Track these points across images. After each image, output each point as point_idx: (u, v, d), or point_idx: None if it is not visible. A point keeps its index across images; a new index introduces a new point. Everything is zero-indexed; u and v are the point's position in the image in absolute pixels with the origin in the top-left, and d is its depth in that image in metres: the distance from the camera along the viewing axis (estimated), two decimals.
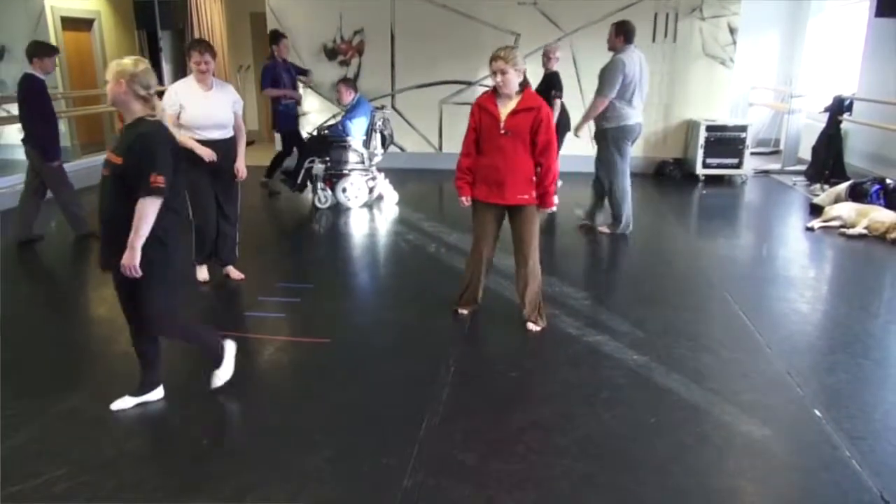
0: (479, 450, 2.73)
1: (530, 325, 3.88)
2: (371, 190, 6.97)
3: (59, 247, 5.96)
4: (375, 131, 6.90)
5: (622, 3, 8.42)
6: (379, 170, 7.10)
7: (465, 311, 4.07)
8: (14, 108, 8.09)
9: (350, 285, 4.96)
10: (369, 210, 6.85)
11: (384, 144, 7.09)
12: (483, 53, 7.79)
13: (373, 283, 5.04)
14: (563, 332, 3.89)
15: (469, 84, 8.95)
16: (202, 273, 4.65)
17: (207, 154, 4.21)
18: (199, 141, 4.22)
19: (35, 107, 5.24)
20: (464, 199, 3.83)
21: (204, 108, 4.24)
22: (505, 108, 3.61)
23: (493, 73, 3.57)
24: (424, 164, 8.99)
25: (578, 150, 8.96)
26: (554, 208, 3.80)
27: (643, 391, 3.23)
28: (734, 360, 3.58)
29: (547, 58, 6.87)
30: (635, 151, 8.91)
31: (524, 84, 3.63)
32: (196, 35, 9.77)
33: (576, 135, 6.04)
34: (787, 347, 3.73)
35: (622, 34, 5.65)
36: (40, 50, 5.29)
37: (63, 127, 8.57)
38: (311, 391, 3.27)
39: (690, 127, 8.75)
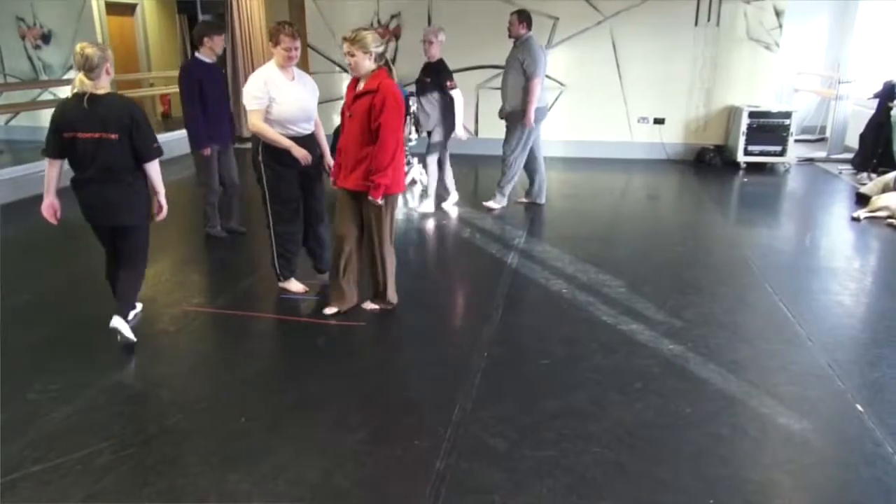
0: (510, 435, 2.73)
1: (367, 304, 3.93)
2: (405, 175, 6.97)
3: None
4: (409, 115, 6.89)
5: None
6: (413, 155, 7.10)
7: (329, 311, 3.86)
8: (61, 91, 8.32)
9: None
10: (402, 195, 6.85)
11: (417, 129, 7.08)
12: None
13: (406, 268, 5.05)
14: (598, 320, 3.86)
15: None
16: (296, 285, 4.21)
17: (303, 156, 3.85)
18: (289, 138, 3.84)
19: (183, 91, 4.95)
20: (332, 180, 3.87)
21: (296, 99, 3.84)
22: (355, 92, 3.57)
23: (344, 55, 3.55)
24: (459, 149, 8.95)
25: (618, 136, 8.88)
26: (380, 201, 3.54)
27: (678, 381, 3.19)
28: (773, 351, 3.51)
29: (428, 43, 5.97)
30: (674, 138, 8.85)
31: (384, 67, 3.54)
32: (236, 19, 9.85)
33: (531, 125, 5.97)
34: (829, 340, 3.64)
35: (525, 21, 5.89)
36: (210, 29, 4.99)
37: None
38: (346, 373, 3.31)
39: (732, 113, 8.55)
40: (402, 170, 3.70)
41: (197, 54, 4.97)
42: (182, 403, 3.01)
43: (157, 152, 3.41)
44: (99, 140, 3.24)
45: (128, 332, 3.44)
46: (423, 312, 4.08)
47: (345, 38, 3.47)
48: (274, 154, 3.86)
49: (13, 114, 8.13)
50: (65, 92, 8.22)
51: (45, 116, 8.49)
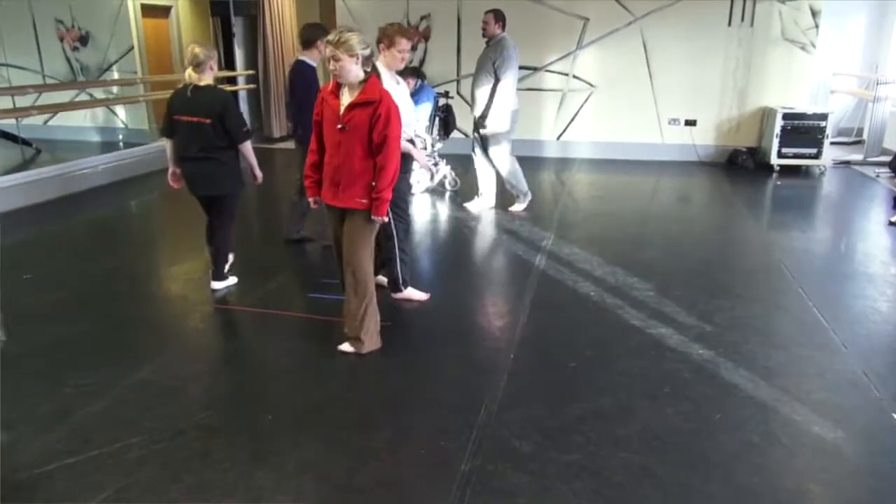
0: (536, 438, 2.72)
1: (344, 346, 3.45)
2: (432, 176, 6.99)
3: (146, 222, 6.23)
4: (438, 117, 6.90)
5: None
6: (441, 156, 7.11)
7: (349, 348, 3.45)
8: (97, 92, 8.50)
9: (411, 270, 4.99)
10: (430, 196, 6.87)
11: (447, 131, 7.09)
12: (551, 39, 7.69)
13: (433, 269, 5.06)
14: (626, 323, 3.83)
15: (535, 70, 8.85)
16: (418, 293, 4.17)
17: (424, 160, 3.84)
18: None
19: (301, 92, 4.83)
20: (311, 200, 3.49)
21: (406, 103, 3.81)
22: (345, 100, 3.17)
23: (327, 61, 3.14)
24: None
25: (649, 137, 8.80)
26: (385, 219, 3.28)
27: (708, 386, 3.14)
28: (806, 358, 3.44)
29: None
30: (706, 140, 8.73)
31: (374, 73, 3.18)
32: (267, 21, 9.97)
33: (483, 126, 5.87)
34: (865, 347, 3.56)
35: (501, 21, 5.76)
36: (323, 32, 4.66)
37: (143, 110, 8.95)
38: (371, 373, 3.32)
39: (766, 114, 8.41)
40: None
41: (302, 57, 4.83)
42: (211, 400, 3.05)
43: (246, 135, 4.04)
44: (196, 124, 3.89)
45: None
46: (449, 313, 4.07)
47: (328, 42, 3.09)
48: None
49: (52, 114, 8.32)
50: (100, 93, 8.40)
51: (82, 116, 8.70)
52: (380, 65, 3.81)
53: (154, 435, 2.72)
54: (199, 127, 3.89)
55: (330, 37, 3.09)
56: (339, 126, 3.15)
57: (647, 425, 2.82)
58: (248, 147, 4.08)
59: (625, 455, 2.61)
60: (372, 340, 3.45)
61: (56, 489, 2.40)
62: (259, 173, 4.24)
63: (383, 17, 8.92)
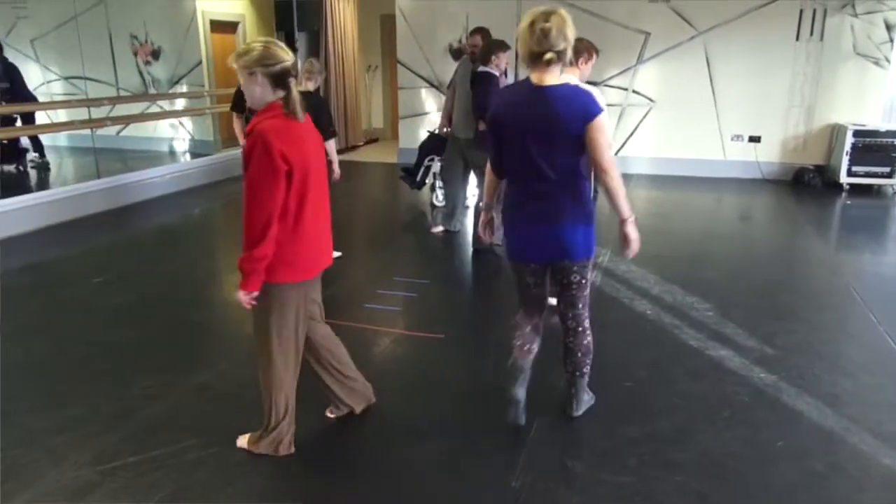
0: (588, 458, 2.67)
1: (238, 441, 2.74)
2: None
3: (210, 230, 6.42)
4: None
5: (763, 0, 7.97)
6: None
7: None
8: (167, 105, 8.83)
9: (465, 282, 5.00)
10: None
11: None
12: (611, 53, 7.62)
13: (487, 281, 5.05)
14: (684, 344, 3.73)
15: (594, 84, 8.75)
16: None
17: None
18: None
19: (486, 97, 5.00)
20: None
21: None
22: None
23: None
24: None
25: (710, 154, 8.59)
26: (244, 297, 2.36)
27: (770, 412, 3.03)
28: (877, 386, 3.28)
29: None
30: (770, 157, 8.48)
31: (288, 95, 2.42)
32: (330, 37, 10.19)
33: (470, 148, 5.49)
34: None
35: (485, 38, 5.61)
36: (501, 47, 5.16)
37: (209, 122, 9.27)
38: (422, 384, 3.33)
39: (835, 131, 8.11)
40: (294, 247, 2.46)
41: (483, 68, 5.10)
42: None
43: (331, 134, 4.73)
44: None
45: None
46: (501, 326, 4.04)
47: (237, 55, 2.37)
48: None
49: (124, 125, 8.69)
50: (170, 105, 8.77)
51: (151, 128, 9.05)
52: (573, 77, 3.83)
53: (211, 438, 2.79)
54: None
55: (238, 51, 2.38)
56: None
57: (704, 450, 2.74)
58: (331, 144, 4.64)
59: (680, 479, 2.54)
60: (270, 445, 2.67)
61: (117, 486, 2.49)
62: (337, 169, 4.79)
63: (442, 31, 9.05)
